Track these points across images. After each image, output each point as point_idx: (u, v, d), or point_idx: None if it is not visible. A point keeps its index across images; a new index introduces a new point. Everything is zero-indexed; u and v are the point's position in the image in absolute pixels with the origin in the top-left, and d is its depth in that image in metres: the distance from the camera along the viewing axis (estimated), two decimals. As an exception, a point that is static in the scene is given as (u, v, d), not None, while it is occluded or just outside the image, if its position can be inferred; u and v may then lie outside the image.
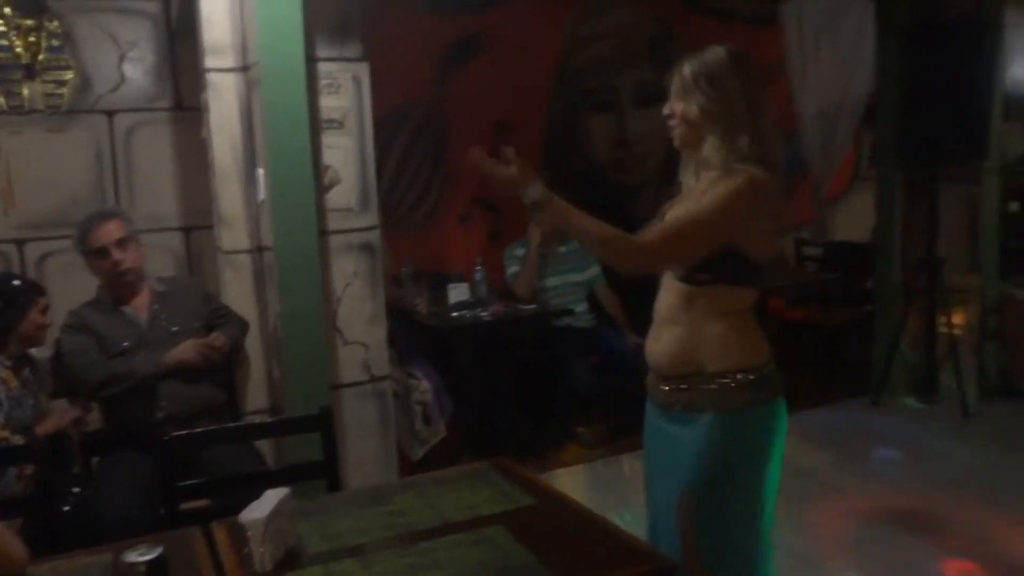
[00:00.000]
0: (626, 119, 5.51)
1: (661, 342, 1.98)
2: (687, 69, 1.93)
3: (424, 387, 4.12)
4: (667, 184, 2.18)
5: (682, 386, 1.93)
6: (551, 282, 4.60)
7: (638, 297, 4.88)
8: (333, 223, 3.17)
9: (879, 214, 5.16)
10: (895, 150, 4.87)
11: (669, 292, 1.99)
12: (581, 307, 4.66)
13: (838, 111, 5.26)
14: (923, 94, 4.55)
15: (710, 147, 1.91)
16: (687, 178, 2.04)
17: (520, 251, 4.58)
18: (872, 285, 5.31)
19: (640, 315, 4.88)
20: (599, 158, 5.55)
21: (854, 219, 6.10)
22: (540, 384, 4.37)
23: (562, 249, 4.60)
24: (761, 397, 1.90)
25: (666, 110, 1.98)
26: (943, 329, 4.91)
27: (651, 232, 1.92)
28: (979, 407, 4.77)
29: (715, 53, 1.93)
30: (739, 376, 1.88)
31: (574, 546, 1.69)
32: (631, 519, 2.34)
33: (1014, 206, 5.21)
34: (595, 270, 4.66)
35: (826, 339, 5.56)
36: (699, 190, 1.94)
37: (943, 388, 4.97)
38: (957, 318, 4.96)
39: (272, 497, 1.64)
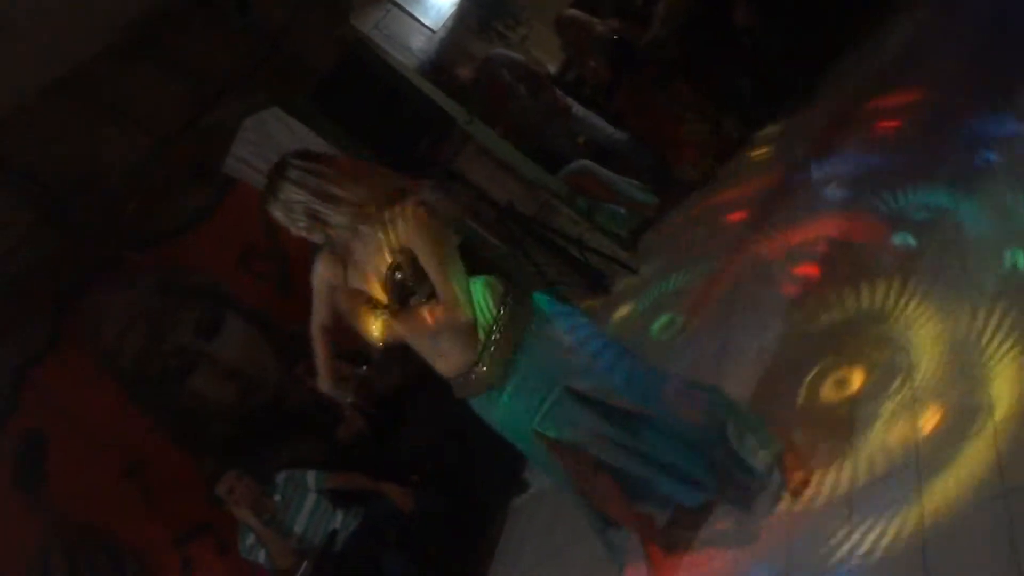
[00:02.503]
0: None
1: None
2: (274, 212, 2.24)
3: None
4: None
5: None
6: (298, 528, 4.33)
7: (362, 453, 4.77)
8: None
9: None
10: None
11: None
12: (339, 515, 4.41)
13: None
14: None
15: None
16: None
17: (249, 539, 4.29)
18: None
19: (383, 458, 4.73)
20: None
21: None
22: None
23: (276, 498, 4.35)
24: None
25: (303, 234, 2.27)
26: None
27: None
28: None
29: (270, 182, 2.25)
30: None
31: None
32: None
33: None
34: (312, 477, 4.43)
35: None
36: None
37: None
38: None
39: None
